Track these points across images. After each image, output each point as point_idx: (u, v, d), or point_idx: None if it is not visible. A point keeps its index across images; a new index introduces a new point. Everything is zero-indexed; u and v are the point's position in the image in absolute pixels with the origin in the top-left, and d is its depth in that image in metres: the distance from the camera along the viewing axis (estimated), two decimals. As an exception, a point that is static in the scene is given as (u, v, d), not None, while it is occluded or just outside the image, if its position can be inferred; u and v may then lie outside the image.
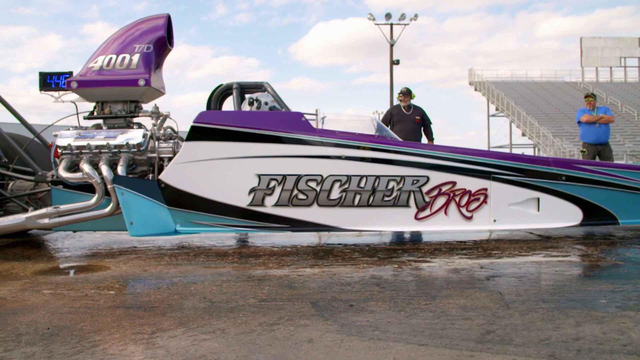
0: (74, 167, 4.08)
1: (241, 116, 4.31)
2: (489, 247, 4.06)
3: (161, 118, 4.42)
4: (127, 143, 4.08)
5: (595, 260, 3.52)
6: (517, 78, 50.52)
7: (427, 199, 4.13)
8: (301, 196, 4.10)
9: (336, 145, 4.20)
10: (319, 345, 1.92)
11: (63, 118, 4.52)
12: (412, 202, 4.14)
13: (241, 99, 4.61)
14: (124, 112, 4.40)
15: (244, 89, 4.61)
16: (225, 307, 2.45)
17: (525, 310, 2.30)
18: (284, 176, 4.09)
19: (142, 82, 4.22)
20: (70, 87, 4.24)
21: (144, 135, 4.16)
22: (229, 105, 4.65)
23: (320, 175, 4.10)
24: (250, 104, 4.44)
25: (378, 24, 31.26)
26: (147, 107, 4.49)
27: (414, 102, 10.07)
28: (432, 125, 10.13)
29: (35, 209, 4.12)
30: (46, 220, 4.00)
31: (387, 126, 10.00)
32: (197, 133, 4.14)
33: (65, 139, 4.09)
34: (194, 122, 4.14)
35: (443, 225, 4.21)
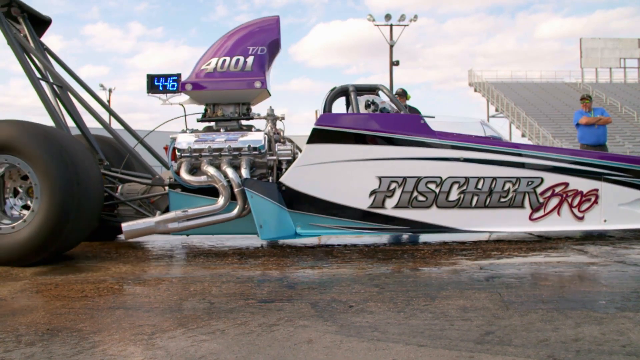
0: (192, 170, 4.11)
1: (362, 118, 4.31)
2: (488, 248, 4.06)
3: (276, 120, 4.47)
4: (249, 146, 4.11)
5: (595, 261, 3.51)
6: (517, 79, 50.56)
7: (541, 199, 4.23)
8: (421, 198, 4.15)
9: (454, 147, 4.22)
10: (319, 346, 1.92)
11: (169, 121, 4.64)
12: (526, 203, 4.22)
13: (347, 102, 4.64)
14: (236, 115, 4.43)
15: (359, 91, 4.59)
16: (224, 307, 2.45)
17: (524, 311, 2.30)
18: (404, 178, 4.13)
19: (258, 85, 4.22)
20: (184, 89, 4.24)
21: (265, 138, 4.18)
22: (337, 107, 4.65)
23: (440, 177, 4.16)
24: (367, 106, 4.47)
25: (378, 25, 31.29)
26: (255, 109, 4.57)
27: (409, 102, 10.11)
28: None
29: (148, 212, 4.17)
30: (175, 225, 3.97)
31: None
32: (319, 135, 4.17)
33: (185, 142, 4.12)
34: (316, 124, 4.19)
35: (556, 226, 4.30)
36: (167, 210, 4.19)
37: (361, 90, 4.60)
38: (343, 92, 4.61)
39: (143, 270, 3.41)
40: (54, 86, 4.60)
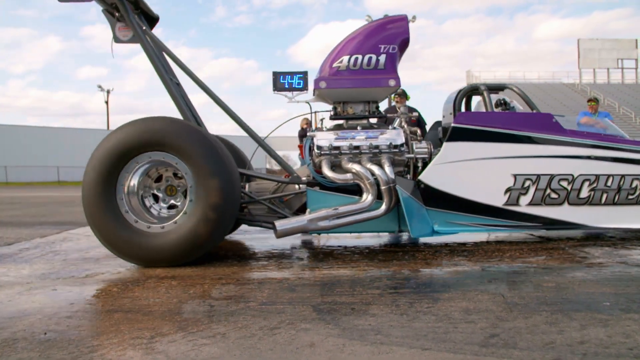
0: (332, 168, 4.12)
1: (497, 117, 4.37)
2: (489, 250, 4.03)
3: (407, 118, 4.52)
4: (390, 143, 4.14)
5: (597, 262, 3.49)
6: (515, 79, 50.62)
7: None
8: (553, 195, 4.24)
9: (585, 145, 4.31)
10: (321, 350, 1.89)
11: (291, 119, 4.80)
12: None
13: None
14: (366, 112, 4.44)
15: (490, 89, 4.65)
16: (225, 310, 2.42)
17: (528, 313, 2.27)
18: (538, 176, 4.21)
19: (392, 83, 4.23)
20: (318, 87, 4.23)
21: (405, 136, 4.25)
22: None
23: (572, 175, 4.25)
24: (498, 105, 4.55)
25: (376, 26, 31.16)
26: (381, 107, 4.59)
27: (409, 103, 10.09)
28: (426, 127, 10.15)
29: (281, 211, 4.16)
30: (326, 223, 3.93)
31: None
32: (457, 134, 4.21)
33: (326, 140, 4.14)
34: (454, 123, 4.24)
35: None
36: (300, 209, 4.23)
37: (492, 88, 4.69)
38: (473, 90, 4.71)
39: (141, 272, 3.37)
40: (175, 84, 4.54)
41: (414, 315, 2.27)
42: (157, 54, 4.31)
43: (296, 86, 4.26)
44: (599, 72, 49.23)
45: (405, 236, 4.90)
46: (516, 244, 4.32)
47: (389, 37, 4.28)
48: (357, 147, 4.09)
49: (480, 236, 4.75)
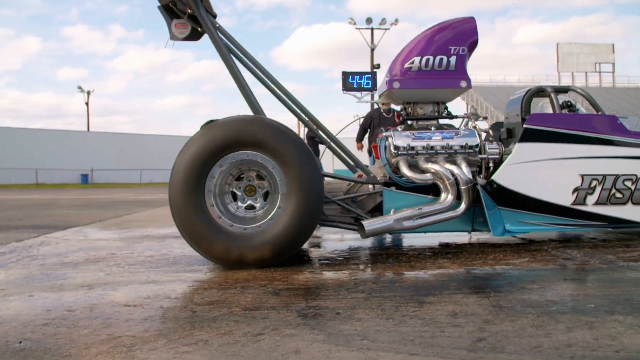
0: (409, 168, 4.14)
1: (566, 118, 4.43)
2: (473, 252, 4.03)
3: (476, 120, 4.58)
4: (466, 144, 4.20)
5: (580, 263, 3.51)
6: (496, 83, 51.21)
7: None
8: (618, 195, 4.35)
9: None
10: (307, 356, 1.85)
11: (355, 120, 4.68)
12: None
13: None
14: (435, 113, 4.48)
15: (556, 91, 4.71)
16: (208, 316, 2.36)
17: (515, 316, 2.26)
18: (604, 176, 4.32)
19: (464, 84, 4.30)
20: (392, 87, 4.24)
21: (480, 137, 4.30)
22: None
23: (635, 175, 4.36)
24: (563, 107, 4.64)
25: (359, 29, 31.39)
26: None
27: (393, 106, 10.11)
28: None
29: (354, 210, 4.15)
30: (411, 222, 3.95)
31: (368, 129, 10.04)
32: (529, 135, 4.28)
33: (404, 140, 4.16)
34: (526, 124, 4.30)
35: None
36: (373, 209, 4.22)
37: (557, 91, 4.74)
38: (538, 92, 4.78)
39: (122, 277, 3.29)
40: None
41: (400, 320, 2.25)
42: (228, 51, 4.23)
43: (365, 86, 4.38)
44: (578, 76, 49.98)
45: (388, 238, 4.89)
46: (499, 245, 4.33)
47: (459, 38, 4.31)
48: (433, 148, 4.15)
49: (463, 238, 4.76)
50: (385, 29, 31.19)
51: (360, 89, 4.34)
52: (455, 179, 3.98)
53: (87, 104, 46.52)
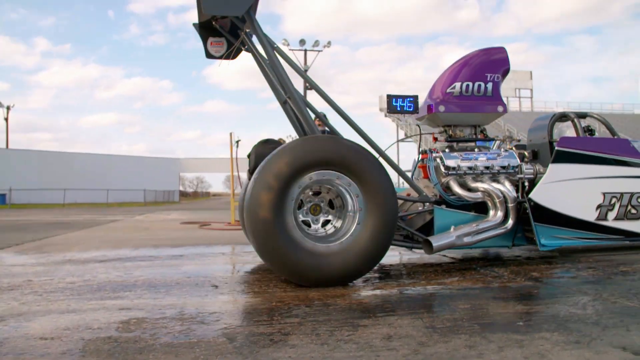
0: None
1: (590, 142, 4.86)
2: (404, 272, 4.07)
3: (511, 142, 4.95)
4: (508, 165, 4.56)
5: (507, 281, 3.61)
6: (425, 106, 52.55)
7: None
8: (633, 211, 4.87)
9: None
10: (238, 387, 1.76)
11: (402, 140, 5.79)
12: None
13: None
14: (473, 135, 4.79)
15: (579, 117, 5.16)
16: (132, 347, 2.22)
17: (448, 337, 2.27)
18: (622, 194, 4.81)
19: (500, 109, 4.67)
20: (437, 110, 4.54)
21: (519, 158, 4.66)
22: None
23: None
24: (585, 131, 5.04)
25: (292, 50, 31.69)
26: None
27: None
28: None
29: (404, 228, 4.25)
30: (469, 238, 4.20)
31: None
32: (561, 156, 4.68)
33: (454, 160, 4.47)
34: (557, 146, 4.70)
35: None
36: (422, 228, 4.38)
37: (579, 116, 5.17)
38: (562, 117, 5.20)
39: (39, 305, 3.05)
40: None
41: (334, 345, 2.20)
42: (280, 71, 4.25)
43: (407, 109, 4.62)
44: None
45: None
46: (430, 265, 4.40)
47: (493, 66, 4.66)
48: (478, 168, 4.48)
49: (394, 258, 4.80)
50: (319, 51, 31.71)
51: (403, 111, 4.59)
52: (504, 197, 4.31)
53: (6, 119, 44.06)
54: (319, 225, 3.88)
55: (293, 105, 4.23)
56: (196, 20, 4.62)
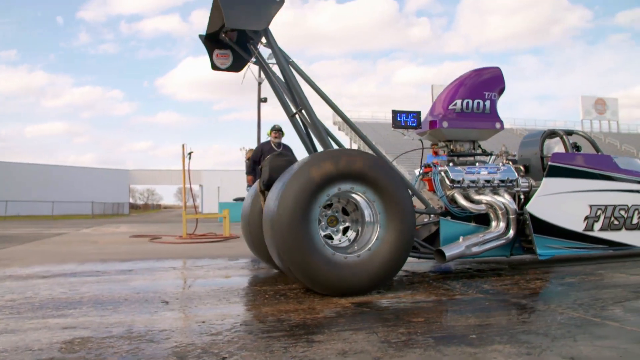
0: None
1: (578, 157, 5.24)
2: (360, 285, 4.06)
3: (507, 156, 5.19)
4: (507, 178, 4.82)
5: (459, 294, 3.65)
6: (377, 120, 53.92)
7: None
8: (615, 222, 5.25)
9: (634, 181, 5.39)
10: (189, 409, 1.69)
11: (406, 152, 5.46)
12: None
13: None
14: (471, 150, 5.05)
15: (567, 134, 5.55)
16: (75, 369, 2.11)
17: (402, 352, 2.26)
18: (606, 206, 5.18)
19: (498, 126, 4.97)
20: (441, 126, 4.80)
21: (517, 172, 4.94)
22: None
23: (627, 205, 5.32)
24: (573, 147, 5.42)
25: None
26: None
27: (283, 140, 10.22)
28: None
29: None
30: (477, 248, 4.45)
31: (259, 162, 10.02)
32: (553, 171, 5.03)
33: (458, 174, 4.70)
34: (551, 161, 5.05)
35: None
36: (428, 238, 4.59)
37: (566, 133, 5.56)
38: (551, 134, 5.59)
39: (-26, 327, 2.87)
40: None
41: (289, 361, 2.16)
42: (295, 85, 4.33)
43: (410, 124, 4.75)
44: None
45: (275, 273, 4.80)
46: (385, 278, 4.40)
47: (490, 85, 4.94)
48: (480, 181, 4.72)
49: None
50: (273, 64, 31.65)
51: (407, 126, 4.71)
52: (505, 209, 4.56)
53: (-58, 128, 41.96)
54: (340, 234, 4.01)
55: (307, 118, 4.33)
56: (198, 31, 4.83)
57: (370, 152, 4.34)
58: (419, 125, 4.73)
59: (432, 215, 4.59)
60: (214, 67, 4.80)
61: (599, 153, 5.58)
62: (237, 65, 4.92)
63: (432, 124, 4.87)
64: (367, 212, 3.84)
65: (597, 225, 5.14)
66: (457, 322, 2.83)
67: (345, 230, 4.02)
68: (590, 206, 5.11)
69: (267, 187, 4.20)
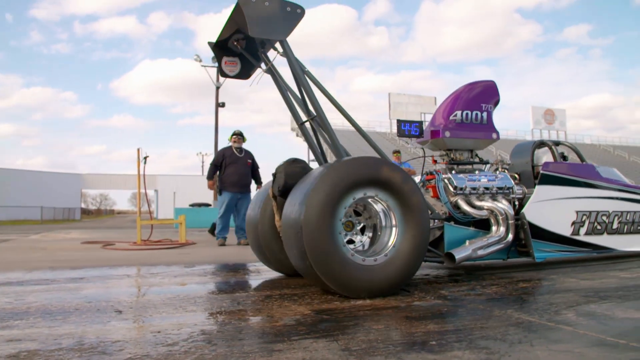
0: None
1: (566, 166, 5.64)
2: (317, 292, 4.03)
3: (503, 165, 5.52)
4: (505, 185, 5.09)
5: (418, 300, 3.67)
6: (335, 126, 53.70)
7: None
8: (598, 227, 5.65)
9: (614, 189, 5.85)
10: None
11: (412, 159, 5.48)
12: None
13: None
14: (469, 159, 5.31)
15: (555, 144, 5.97)
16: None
17: None
18: (590, 212, 5.58)
19: (494, 136, 5.25)
20: (443, 135, 5.05)
21: (512, 179, 5.25)
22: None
23: (608, 211, 5.74)
24: (560, 157, 5.79)
25: (205, 66, 31.26)
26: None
27: (244, 145, 10.17)
28: (259, 170, 10.31)
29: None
30: (482, 251, 4.72)
31: (221, 167, 9.92)
32: (545, 179, 5.40)
33: (461, 181, 4.95)
34: (542, 170, 5.44)
35: None
36: (432, 243, 4.75)
37: (557, 144, 6.01)
38: (541, 144, 6.00)
39: None
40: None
41: (248, 371, 2.10)
42: (310, 94, 4.42)
43: (413, 132, 5.98)
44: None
45: (233, 280, 4.72)
46: (344, 285, 4.39)
47: (487, 98, 5.21)
48: (480, 188, 4.98)
49: (301, 280, 4.76)
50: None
51: (410, 135, 4.94)
52: (505, 215, 4.83)
53: None
54: (359, 236, 4.23)
55: (321, 126, 4.46)
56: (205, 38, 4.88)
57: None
58: (421, 134, 5.05)
59: (436, 221, 4.78)
60: (223, 74, 4.97)
61: (584, 162, 5.99)
62: (245, 73, 5.08)
63: (435, 133, 5.10)
64: (385, 217, 4.01)
65: (583, 230, 5.52)
66: (416, 328, 2.84)
67: (362, 231, 4.26)
68: (577, 212, 5.49)
69: (282, 193, 4.27)
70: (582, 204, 5.54)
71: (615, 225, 5.81)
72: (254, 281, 4.81)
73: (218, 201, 10.18)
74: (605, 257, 6.08)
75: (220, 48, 4.90)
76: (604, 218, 5.70)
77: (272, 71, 4.71)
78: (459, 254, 4.57)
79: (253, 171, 10.07)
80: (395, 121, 5.19)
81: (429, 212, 4.57)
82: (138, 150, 10.37)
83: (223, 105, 30.73)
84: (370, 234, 4.20)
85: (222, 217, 9.86)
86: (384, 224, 4.01)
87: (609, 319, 2.98)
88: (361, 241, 4.21)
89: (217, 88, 30.88)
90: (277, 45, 4.60)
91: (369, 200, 3.95)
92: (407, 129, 4.96)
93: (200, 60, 30.46)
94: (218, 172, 9.91)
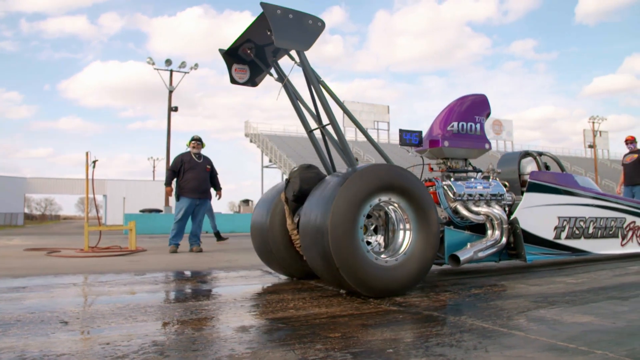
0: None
1: (549, 175, 6.08)
2: (273, 301, 3.99)
3: (495, 174, 5.73)
4: (498, 192, 5.43)
5: (373, 307, 3.67)
6: (289, 133, 54.18)
7: (625, 232, 6.73)
8: (576, 231, 6.13)
9: (589, 197, 6.32)
10: None
11: (414, 166, 5.54)
12: (619, 234, 6.69)
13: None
14: (464, 167, 5.61)
15: (539, 155, 6.45)
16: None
17: (321, 369, 2.21)
18: (569, 217, 6.07)
19: (487, 146, 5.60)
20: (442, 144, 5.34)
21: (504, 187, 5.60)
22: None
23: (584, 217, 6.25)
24: (543, 167, 6.27)
25: (158, 69, 30.71)
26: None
27: (203, 151, 10.06)
28: (218, 176, 10.21)
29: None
30: (482, 253, 5.06)
31: (179, 173, 9.74)
32: (532, 187, 5.87)
33: (460, 188, 5.22)
34: (530, 178, 5.93)
35: (633, 249, 6.82)
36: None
37: (541, 154, 6.48)
38: (526, 154, 6.48)
39: None
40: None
41: (202, 384, 2.03)
42: (324, 103, 4.59)
43: (414, 142, 5.24)
44: (360, 131, 55.60)
45: (186, 288, 4.60)
46: (298, 292, 4.36)
47: (479, 110, 5.55)
48: (476, 195, 5.28)
49: (256, 287, 4.70)
50: (185, 72, 31.05)
51: (410, 144, 5.22)
52: (500, 219, 5.19)
53: None
54: (374, 237, 4.51)
55: (334, 133, 4.58)
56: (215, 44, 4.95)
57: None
58: (420, 142, 5.24)
59: None
60: (233, 80, 5.11)
61: (564, 172, 6.47)
62: (254, 80, 5.27)
63: (434, 142, 5.41)
64: (398, 219, 4.31)
65: (564, 234, 5.99)
66: (373, 336, 2.83)
67: (375, 232, 4.55)
68: (559, 217, 5.95)
69: (297, 198, 4.52)
70: (563, 210, 6.00)
71: (590, 230, 6.29)
72: (208, 289, 4.70)
73: (175, 207, 9.95)
74: (584, 260, 6.70)
75: (230, 55, 5.08)
76: (582, 223, 6.17)
77: (287, 80, 4.93)
78: (463, 255, 4.91)
79: (212, 177, 9.92)
80: (398, 130, 5.37)
81: None
82: (87, 153, 10.03)
83: (176, 109, 30.24)
84: (383, 234, 4.52)
85: (179, 223, 9.64)
86: (397, 225, 4.30)
87: (558, 324, 3.06)
88: (377, 241, 4.51)
89: (170, 92, 30.36)
90: (293, 54, 4.84)
91: (382, 204, 4.16)
92: (408, 138, 5.09)
93: (153, 63, 29.84)
94: (176, 178, 9.72)
